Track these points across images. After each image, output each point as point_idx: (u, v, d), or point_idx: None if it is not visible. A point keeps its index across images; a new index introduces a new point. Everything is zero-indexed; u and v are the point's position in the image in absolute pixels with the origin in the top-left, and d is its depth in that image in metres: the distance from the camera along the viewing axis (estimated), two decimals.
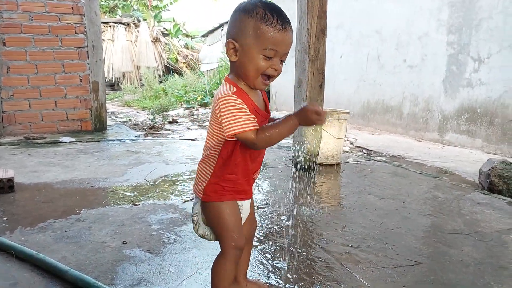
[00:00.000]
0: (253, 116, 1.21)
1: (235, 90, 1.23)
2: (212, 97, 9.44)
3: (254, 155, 1.35)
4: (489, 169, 3.26)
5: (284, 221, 2.47)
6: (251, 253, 1.69)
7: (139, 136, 5.13)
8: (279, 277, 1.79)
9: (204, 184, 1.35)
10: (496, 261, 2.03)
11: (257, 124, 1.20)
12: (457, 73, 5.11)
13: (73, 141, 4.61)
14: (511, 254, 2.11)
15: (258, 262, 1.92)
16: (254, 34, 1.18)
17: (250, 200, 1.44)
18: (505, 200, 3.00)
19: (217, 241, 1.43)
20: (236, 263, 1.39)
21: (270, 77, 1.24)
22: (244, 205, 1.41)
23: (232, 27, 1.24)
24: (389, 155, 4.58)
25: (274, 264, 1.92)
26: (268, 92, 9.02)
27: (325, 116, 1.16)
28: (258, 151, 1.34)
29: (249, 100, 1.25)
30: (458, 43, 5.07)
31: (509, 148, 4.56)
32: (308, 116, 1.15)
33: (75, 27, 4.98)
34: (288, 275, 1.82)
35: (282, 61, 1.24)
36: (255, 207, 2.51)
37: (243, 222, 1.42)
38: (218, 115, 1.21)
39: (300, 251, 2.06)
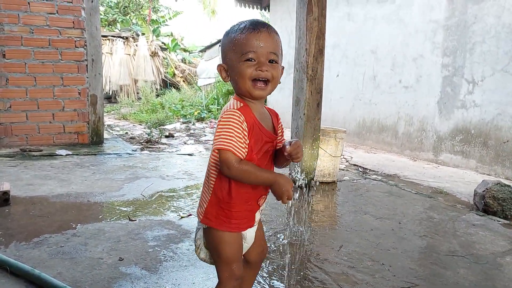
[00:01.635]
0: (246, 145, 1.20)
1: (241, 105, 1.23)
2: (209, 112, 9.50)
3: None
4: (483, 190, 3.29)
5: (281, 240, 2.47)
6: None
7: (135, 150, 5.13)
8: None
9: (206, 205, 1.31)
10: (491, 284, 2.04)
11: (243, 154, 1.19)
12: (452, 95, 5.19)
13: (69, 154, 4.60)
14: (506, 277, 2.13)
15: (255, 282, 1.92)
16: (231, 47, 1.22)
17: (255, 228, 1.38)
18: (499, 221, 3.03)
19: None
20: None
21: (264, 82, 1.22)
22: (248, 235, 1.35)
23: (221, 53, 1.29)
24: (384, 174, 4.61)
25: (271, 283, 1.92)
26: None
27: (287, 199, 1.21)
28: None
29: (253, 116, 1.23)
30: (452, 65, 5.17)
31: (503, 170, 4.61)
32: (281, 190, 1.20)
33: (75, 41, 5.02)
34: None
35: (272, 61, 1.21)
36: None
37: (246, 251, 1.38)
38: (216, 126, 1.20)
39: (297, 270, 2.06)
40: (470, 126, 4.98)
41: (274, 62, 1.22)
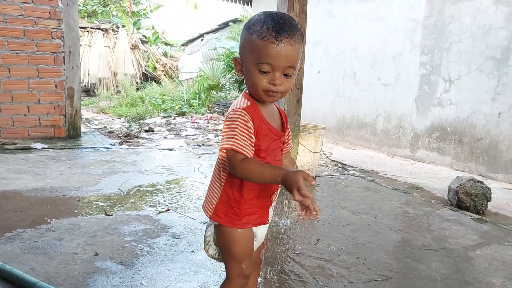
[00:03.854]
0: (251, 143, 1.17)
1: (248, 104, 1.20)
2: (190, 106, 9.43)
3: None
4: (457, 186, 3.38)
5: None
6: None
7: (114, 144, 5.04)
8: None
9: (215, 203, 1.29)
10: (461, 276, 2.10)
11: (249, 152, 1.16)
12: (429, 93, 5.31)
13: (45, 148, 4.49)
14: (475, 269, 2.20)
15: None
16: (249, 48, 1.15)
17: (267, 226, 1.36)
18: (471, 216, 3.13)
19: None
20: None
21: (275, 92, 1.17)
22: (260, 232, 1.33)
23: (239, 45, 1.23)
24: (362, 169, 4.68)
25: None
26: None
27: (306, 201, 1.09)
28: None
29: (260, 115, 1.21)
30: (430, 63, 5.28)
31: (477, 166, 4.75)
32: (293, 185, 1.07)
33: (51, 32, 4.89)
34: None
35: (287, 75, 1.16)
36: None
37: (255, 249, 1.36)
38: (223, 126, 1.19)
39: (274, 264, 2.08)
40: (446, 123, 5.10)
41: (289, 75, 1.16)
